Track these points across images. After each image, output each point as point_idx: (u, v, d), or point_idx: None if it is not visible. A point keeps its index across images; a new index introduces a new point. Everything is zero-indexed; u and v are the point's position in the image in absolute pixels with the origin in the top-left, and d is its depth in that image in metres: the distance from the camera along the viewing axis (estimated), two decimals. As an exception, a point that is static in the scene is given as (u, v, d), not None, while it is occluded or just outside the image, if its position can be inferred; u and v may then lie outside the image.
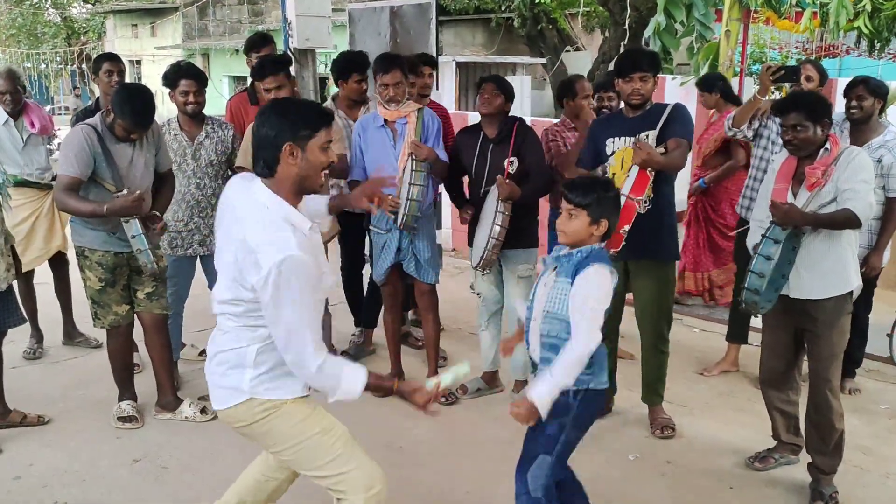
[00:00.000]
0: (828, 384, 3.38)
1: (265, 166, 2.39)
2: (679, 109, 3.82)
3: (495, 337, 4.49)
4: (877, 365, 4.88)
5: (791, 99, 3.46)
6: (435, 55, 8.13)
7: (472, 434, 4.10)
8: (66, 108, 24.92)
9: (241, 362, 2.45)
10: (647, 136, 3.76)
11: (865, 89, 4.20)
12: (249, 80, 5.09)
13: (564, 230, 2.67)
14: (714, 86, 5.41)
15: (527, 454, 2.79)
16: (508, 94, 4.23)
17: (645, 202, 3.68)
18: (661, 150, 3.69)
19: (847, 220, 3.20)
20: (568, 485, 2.86)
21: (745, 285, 3.37)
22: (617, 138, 3.87)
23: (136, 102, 3.77)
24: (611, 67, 13.13)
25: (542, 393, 2.57)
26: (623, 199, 3.52)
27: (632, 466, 3.77)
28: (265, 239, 2.28)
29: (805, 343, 3.51)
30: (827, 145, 3.29)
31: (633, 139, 3.79)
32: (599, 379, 2.70)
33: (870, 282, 4.31)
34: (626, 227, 3.56)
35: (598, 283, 2.59)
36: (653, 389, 4.12)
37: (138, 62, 27.47)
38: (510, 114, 4.30)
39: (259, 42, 5.28)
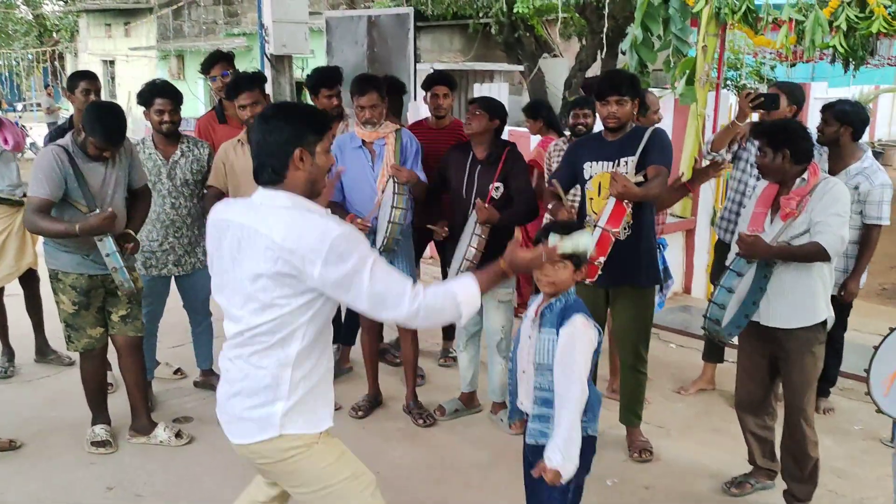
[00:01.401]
0: (802, 413, 3.39)
1: (273, 173, 2.31)
2: (659, 135, 3.77)
3: (473, 358, 4.48)
4: (851, 383, 4.85)
5: (763, 123, 3.54)
6: (413, 64, 8.14)
7: (452, 456, 4.08)
8: (38, 105, 24.55)
9: (272, 392, 2.29)
10: (627, 163, 3.73)
11: (830, 114, 4.15)
12: (217, 99, 5.02)
13: (554, 281, 2.65)
14: (539, 113, 5.68)
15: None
16: (495, 113, 4.15)
17: (625, 228, 3.66)
18: (640, 177, 3.66)
19: (815, 254, 3.19)
20: None
21: (707, 314, 3.37)
22: (595, 162, 3.83)
23: (106, 120, 3.71)
24: (588, 74, 13.23)
25: (558, 460, 2.53)
26: (599, 231, 3.52)
27: (610, 492, 3.77)
28: (304, 232, 2.20)
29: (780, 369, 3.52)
30: (805, 175, 3.28)
31: (611, 164, 3.77)
32: (594, 425, 2.74)
33: (846, 304, 4.33)
34: (602, 259, 3.55)
35: (584, 338, 2.60)
36: (631, 410, 4.12)
37: (112, 62, 27.09)
38: (504, 137, 4.28)
39: (216, 59, 5.10)
